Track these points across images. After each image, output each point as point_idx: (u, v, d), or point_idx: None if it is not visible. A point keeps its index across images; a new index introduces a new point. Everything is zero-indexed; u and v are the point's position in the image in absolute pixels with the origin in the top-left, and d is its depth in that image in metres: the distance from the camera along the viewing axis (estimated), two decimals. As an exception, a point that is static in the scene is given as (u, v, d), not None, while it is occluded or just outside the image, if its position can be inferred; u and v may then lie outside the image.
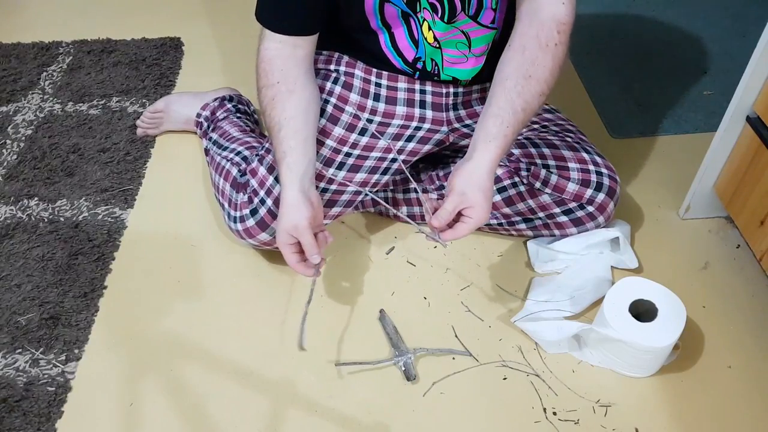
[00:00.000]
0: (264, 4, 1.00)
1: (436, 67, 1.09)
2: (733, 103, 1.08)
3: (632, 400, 1.00)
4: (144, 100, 1.55)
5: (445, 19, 1.01)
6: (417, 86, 1.12)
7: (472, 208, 0.94)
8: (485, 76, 1.13)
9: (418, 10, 1.01)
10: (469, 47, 1.06)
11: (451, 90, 1.13)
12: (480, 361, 1.05)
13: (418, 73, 1.10)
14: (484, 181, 0.95)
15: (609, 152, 1.34)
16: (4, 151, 1.43)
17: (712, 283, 1.16)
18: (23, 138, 1.46)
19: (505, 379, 1.03)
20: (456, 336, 1.09)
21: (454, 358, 1.06)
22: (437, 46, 1.05)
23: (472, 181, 0.94)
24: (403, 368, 1.03)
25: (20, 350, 1.08)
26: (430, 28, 1.03)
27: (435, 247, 1.22)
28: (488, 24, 1.04)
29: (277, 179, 1.11)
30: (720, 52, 1.66)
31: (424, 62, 1.08)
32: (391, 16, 1.02)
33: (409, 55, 1.07)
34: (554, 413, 0.99)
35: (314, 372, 1.04)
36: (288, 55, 1.01)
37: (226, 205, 1.17)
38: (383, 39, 1.06)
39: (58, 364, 1.06)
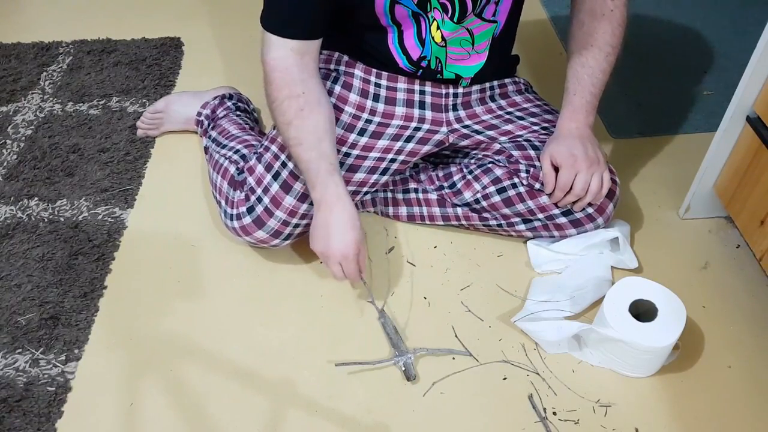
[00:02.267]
0: (270, 11, 0.99)
1: (440, 65, 1.09)
2: (733, 103, 1.08)
3: (632, 400, 1.00)
4: (144, 100, 1.55)
5: (455, 19, 1.02)
6: (416, 87, 1.12)
7: (572, 159, 1.07)
8: (487, 75, 1.13)
9: (428, 10, 1.01)
10: (473, 44, 1.07)
11: (451, 90, 1.13)
12: (480, 361, 1.05)
13: (421, 71, 1.10)
14: (560, 138, 1.09)
15: (609, 152, 1.34)
16: (4, 151, 1.43)
17: (712, 283, 1.16)
18: (23, 138, 1.46)
19: (505, 379, 1.03)
20: (456, 336, 1.09)
21: (454, 358, 1.06)
22: (443, 44, 1.06)
23: (552, 143, 1.10)
24: (403, 368, 1.03)
25: (20, 350, 1.08)
26: (438, 28, 1.03)
27: (435, 246, 1.22)
28: (489, 18, 1.04)
29: (275, 177, 1.11)
30: (720, 52, 1.66)
31: (428, 61, 1.08)
32: (402, 16, 1.02)
33: (415, 54, 1.07)
34: (554, 413, 0.99)
35: (314, 372, 1.04)
36: (300, 64, 1.00)
37: (223, 203, 1.17)
38: (392, 37, 1.06)
39: (58, 364, 1.06)
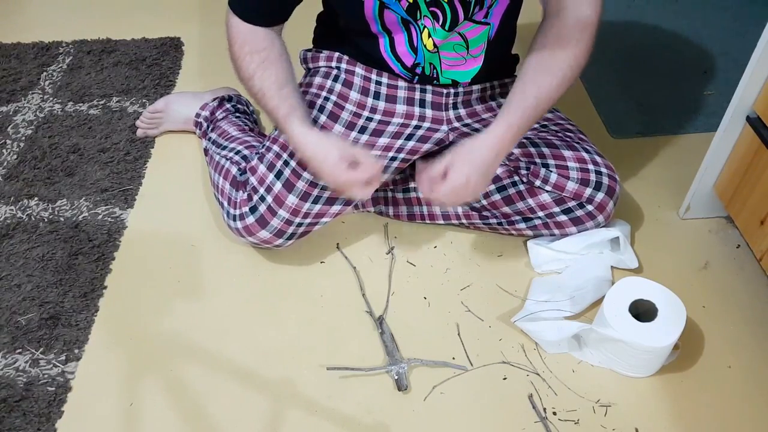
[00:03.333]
0: None
1: (435, 71, 1.09)
2: (733, 103, 1.08)
3: (632, 400, 1.00)
4: (144, 100, 1.55)
5: (447, 27, 1.01)
6: (417, 85, 1.12)
7: (455, 171, 0.97)
8: (484, 77, 1.13)
9: (418, 17, 1.01)
10: (467, 48, 1.06)
11: (451, 90, 1.13)
12: (480, 362, 1.05)
13: (417, 77, 1.10)
14: (476, 153, 0.98)
15: (609, 152, 1.34)
16: (4, 151, 1.43)
17: (712, 283, 1.16)
18: (23, 138, 1.46)
19: (505, 379, 1.03)
20: (458, 334, 1.09)
21: (454, 358, 1.06)
22: (435, 51, 1.05)
23: (465, 149, 0.98)
24: (396, 377, 1.02)
25: (20, 350, 1.08)
26: (429, 36, 1.03)
27: (435, 246, 1.22)
28: (481, 20, 1.03)
29: (277, 176, 1.11)
30: (720, 52, 1.66)
31: (423, 68, 1.08)
32: (391, 22, 1.02)
33: (408, 61, 1.07)
34: (554, 413, 0.99)
35: (314, 372, 1.04)
36: (264, 29, 1.02)
37: (226, 204, 1.17)
38: (383, 43, 1.06)
39: (58, 364, 1.06)
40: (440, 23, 1.01)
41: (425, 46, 1.04)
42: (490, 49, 1.08)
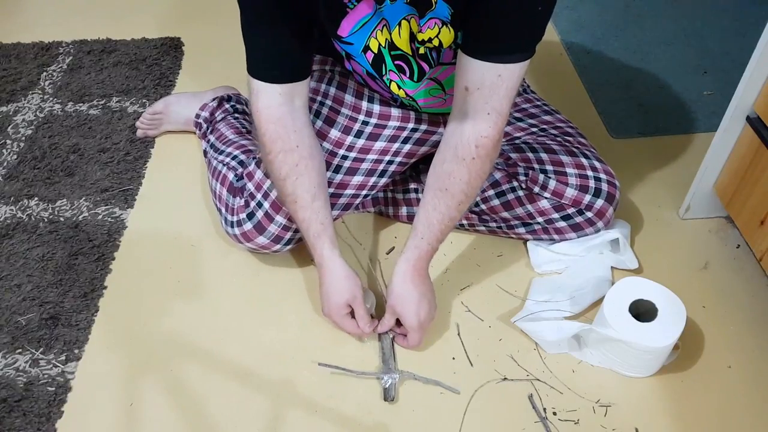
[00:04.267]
0: (253, 57, 0.94)
1: (414, 108, 1.09)
2: (733, 103, 1.08)
3: (632, 400, 1.00)
4: (144, 100, 1.55)
5: (415, 79, 1.01)
6: None
7: (407, 333, 1.04)
8: None
9: (383, 72, 1.00)
10: (444, 90, 1.05)
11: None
12: (480, 362, 1.05)
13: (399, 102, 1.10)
14: (406, 292, 1.02)
15: (609, 152, 1.34)
16: (4, 151, 1.43)
17: (712, 283, 1.16)
18: (23, 138, 1.46)
19: (505, 379, 1.03)
20: (458, 334, 1.09)
21: (454, 358, 1.06)
22: (410, 98, 1.05)
23: (396, 295, 1.02)
24: (386, 386, 1.01)
25: (20, 350, 1.08)
26: (399, 87, 1.03)
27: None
28: (451, 60, 1.00)
29: None
30: (720, 52, 1.66)
31: (401, 102, 1.08)
32: (359, 70, 1.01)
33: (385, 96, 1.08)
34: (554, 413, 0.99)
35: (314, 372, 1.04)
36: (292, 112, 0.98)
37: (224, 210, 1.17)
38: (357, 79, 1.06)
39: (58, 364, 1.06)
40: (407, 76, 1.01)
41: (398, 95, 1.04)
42: None
